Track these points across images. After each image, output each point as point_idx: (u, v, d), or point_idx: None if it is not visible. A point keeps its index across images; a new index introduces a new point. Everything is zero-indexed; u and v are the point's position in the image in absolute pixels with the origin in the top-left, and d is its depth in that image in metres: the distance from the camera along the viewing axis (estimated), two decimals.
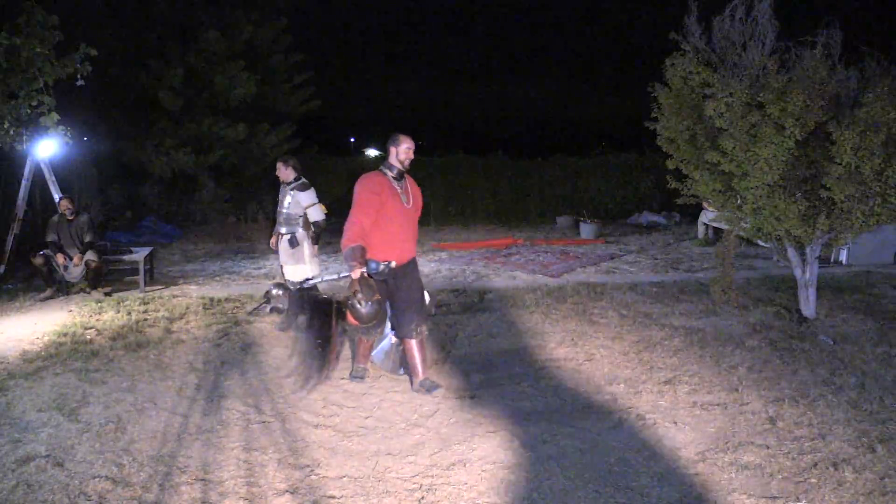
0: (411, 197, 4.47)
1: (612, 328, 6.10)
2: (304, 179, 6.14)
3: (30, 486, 3.26)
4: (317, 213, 6.10)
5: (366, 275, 4.08)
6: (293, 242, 6.08)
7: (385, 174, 4.37)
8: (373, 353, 4.84)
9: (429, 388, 4.51)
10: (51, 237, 7.48)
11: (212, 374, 4.90)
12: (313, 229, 6.10)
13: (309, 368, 4.32)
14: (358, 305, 4.06)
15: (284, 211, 6.12)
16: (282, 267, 6.36)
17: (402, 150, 4.37)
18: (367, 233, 4.15)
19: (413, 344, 4.50)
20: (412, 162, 4.44)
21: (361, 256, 4.07)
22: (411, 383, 4.60)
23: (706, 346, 5.55)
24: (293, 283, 6.14)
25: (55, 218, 7.62)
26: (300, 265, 6.13)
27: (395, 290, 4.42)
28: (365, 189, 4.24)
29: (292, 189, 6.10)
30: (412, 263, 4.53)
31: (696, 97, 6.29)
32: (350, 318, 4.21)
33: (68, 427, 3.93)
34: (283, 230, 6.13)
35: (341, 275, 4.50)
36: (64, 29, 7.17)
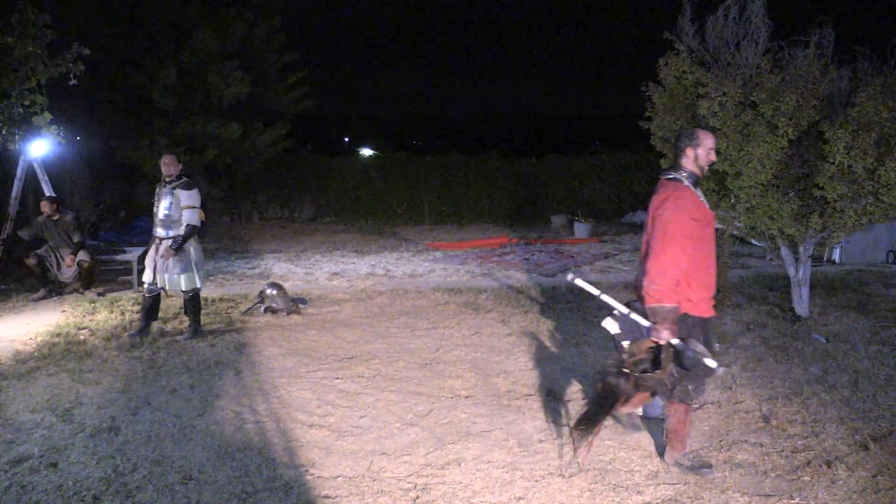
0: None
1: None
2: (187, 179, 5.78)
3: (23, 487, 3.24)
4: (193, 217, 5.66)
5: (671, 346, 3.21)
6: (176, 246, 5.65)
7: (687, 185, 3.33)
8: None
9: (699, 466, 3.49)
10: (26, 234, 7.39)
11: (206, 375, 4.88)
12: (185, 231, 5.63)
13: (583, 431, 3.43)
14: (648, 375, 3.25)
15: (164, 212, 5.68)
16: (154, 274, 5.74)
17: (703, 153, 3.35)
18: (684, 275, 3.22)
19: (684, 410, 3.47)
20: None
21: (675, 322, 3.17)
22: (663, 454, 3.60)
23: None
24: (183, 293, 5.77)
25: (40, 218, 7.56)
26: (186, 273, 5.72)
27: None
28: (684, 214, 3.19)
29: (175, 187, 5.67)
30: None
31: (689, 96, 6.31)
32: (630, 384, 3.34)
33: (62, 428, 3.91)
34: (164, 233, 5.71)
35: (633, 317, 3.37)
36: (56, 28, 7.13)
